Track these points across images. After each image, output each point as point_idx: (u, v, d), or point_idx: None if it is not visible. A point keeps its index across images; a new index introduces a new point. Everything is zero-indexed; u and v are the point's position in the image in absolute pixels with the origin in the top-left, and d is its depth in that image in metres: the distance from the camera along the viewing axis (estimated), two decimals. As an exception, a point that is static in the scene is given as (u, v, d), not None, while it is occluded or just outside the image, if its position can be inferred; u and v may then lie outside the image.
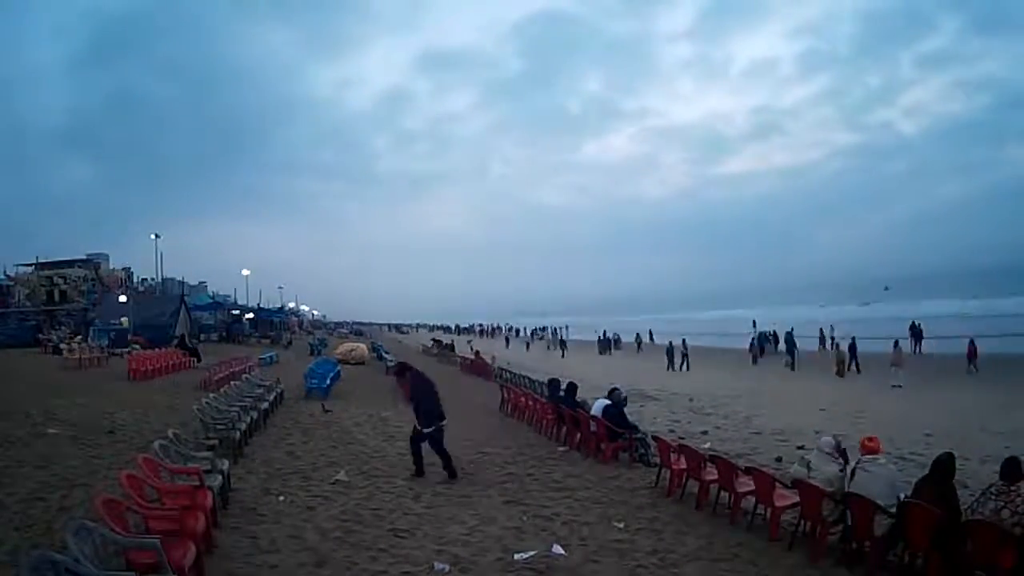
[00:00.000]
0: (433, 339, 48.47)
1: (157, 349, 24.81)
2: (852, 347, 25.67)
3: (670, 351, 30.19)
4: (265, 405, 12.05)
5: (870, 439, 5.59)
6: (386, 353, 31.89)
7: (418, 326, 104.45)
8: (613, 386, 11.58)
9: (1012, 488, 4.68)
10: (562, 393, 11.33)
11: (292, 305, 78.00)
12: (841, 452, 5.97)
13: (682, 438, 10.30)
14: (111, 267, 59.56)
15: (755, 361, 30.64)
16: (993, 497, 4.74)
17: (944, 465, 5.09)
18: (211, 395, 11.08)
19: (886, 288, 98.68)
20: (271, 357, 26.12)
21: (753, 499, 6.35)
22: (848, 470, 5.56)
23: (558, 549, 5.53)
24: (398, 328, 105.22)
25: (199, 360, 23.22)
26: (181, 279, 64.49)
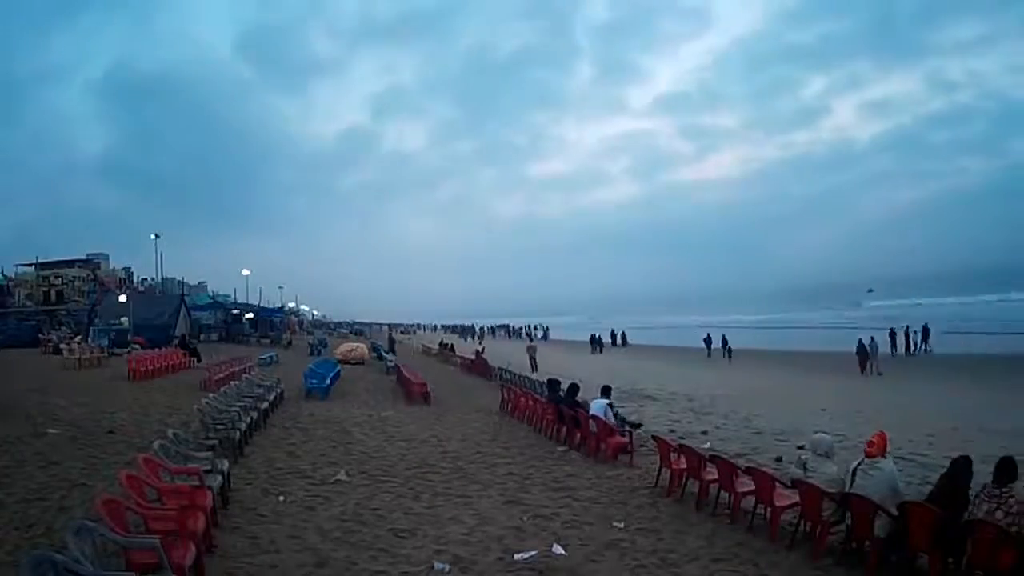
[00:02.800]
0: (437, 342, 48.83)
1: (157, 349, 24.79)
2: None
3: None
4: (265, 405, 12.05)
5: (871, 443, 5.56)
6: (386, 353, 31.89)
7: (420, 326, 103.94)
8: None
9: (1004, 490, 4.69)
10: (562, 393, 11.34)
11: (292, 305, 78.00)
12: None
13: (682, 438, 10.30)
14: (111, 267, 59.60)
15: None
16: (986, 500, 4.74)
17: (959, 467, 5.12)
18: (211, 395, 11.09)
19: (870, 290, 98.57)
20: (271, 357, 26.09)
21: (753, 499, 6.34)
22: (849, 470, 5.56)
23: (558, 549, 5.54)
24: (398, 328, 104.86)
25: (199, 360, 23.22)
26: (181, 279, 64.50)
